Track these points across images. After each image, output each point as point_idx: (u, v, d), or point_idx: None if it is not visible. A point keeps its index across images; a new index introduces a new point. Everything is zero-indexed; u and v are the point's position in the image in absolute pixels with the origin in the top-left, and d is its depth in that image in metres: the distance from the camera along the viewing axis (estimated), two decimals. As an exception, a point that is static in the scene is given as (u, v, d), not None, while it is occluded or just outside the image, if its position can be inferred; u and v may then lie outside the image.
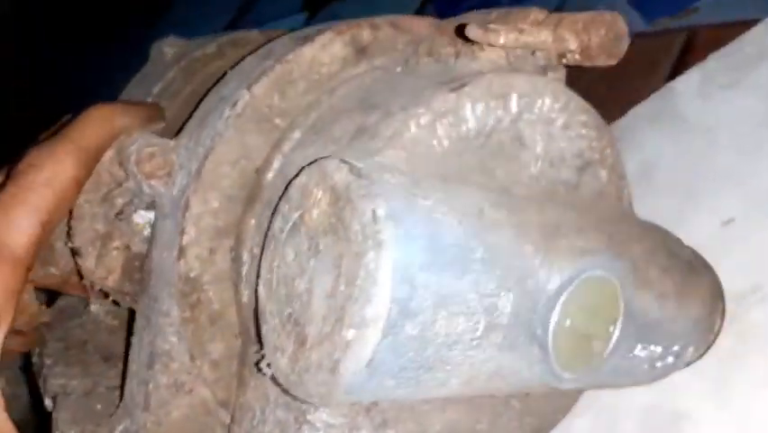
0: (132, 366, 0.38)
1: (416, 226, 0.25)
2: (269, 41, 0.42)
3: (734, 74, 0.60)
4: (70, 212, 0.39)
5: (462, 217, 0.27)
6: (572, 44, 0.31)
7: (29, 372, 0.48)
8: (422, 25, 0.40)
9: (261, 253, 0.31)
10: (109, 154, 0.39)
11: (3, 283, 0.33)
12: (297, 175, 0.29)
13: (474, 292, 0.26)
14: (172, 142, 0.37)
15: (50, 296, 0.50)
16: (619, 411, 0.47)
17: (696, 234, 0.56)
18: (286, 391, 0.29)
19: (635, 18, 0.76)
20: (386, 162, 0.28)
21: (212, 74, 0.47)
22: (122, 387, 0.40)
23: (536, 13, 0.34)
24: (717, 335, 0.39)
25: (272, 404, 0.33)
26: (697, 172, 0.59)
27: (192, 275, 0.35)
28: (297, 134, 0.36)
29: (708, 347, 0.39)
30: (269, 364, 0.29)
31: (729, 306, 0.40)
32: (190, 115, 0.39)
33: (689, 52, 0.69)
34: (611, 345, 0.31)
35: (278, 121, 0.36)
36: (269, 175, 0.35)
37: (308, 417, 0.31)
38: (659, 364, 0.35)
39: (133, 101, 0.46)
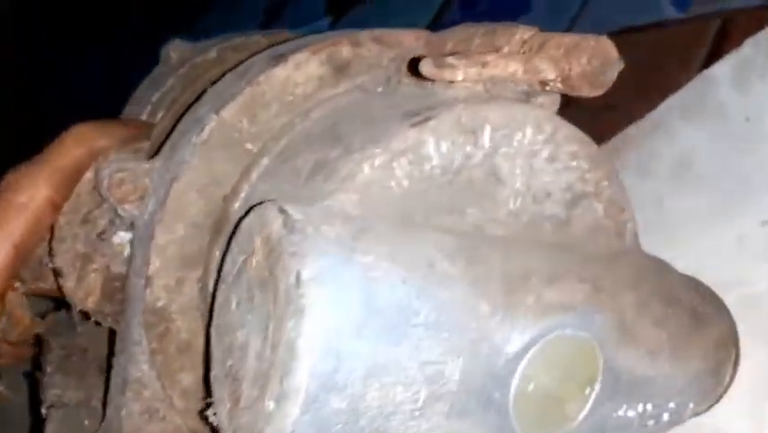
0: (111, 389, 0.38)
1: (349, 289, 0.23)
2: (270, 46, 0.41)
3: (773, 60, 0.56)
4: (52, 232, 0.39)
5: (408, 274, 0.25)
6: (550, 74, 0.28)
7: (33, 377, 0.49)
8: (411, 39, 0.37)
9: (214, 294, 0.30)
10: (88, 175, 0.38)
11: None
12: (246, 214, 0.28)
13: (414, 360, 0.24)
14: (147, 165, 0.36)
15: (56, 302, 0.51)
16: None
17: (734, 233, 0.52)
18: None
19: (666, 5, 0.71)
20: (334, 207, 0.27)
21: (211, 81, 0.46)
22: (104, 406, 0.40)
23: (522, 32, 0.31)
24: (727, 387, 0.35)
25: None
26: (734, 167, 0.55)
27: (159, 305, 0.34)
28: (265, 161, 0.34)
29: (718, 399, 0.36)
30: (215, 413, 0.28)
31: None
32: (170, 134, 0.38)
33: (724, 39, 0.64)
34: (587, 408, 0.28)
35: (249, 146, 0.35)
36: (236, 204, 0.34)
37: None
38: (651, 423, 0.32)
39: (115, 119, 0.46)
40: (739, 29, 0.65)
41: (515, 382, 0.26)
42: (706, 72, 0.62)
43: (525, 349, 0.26)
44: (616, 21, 0.83)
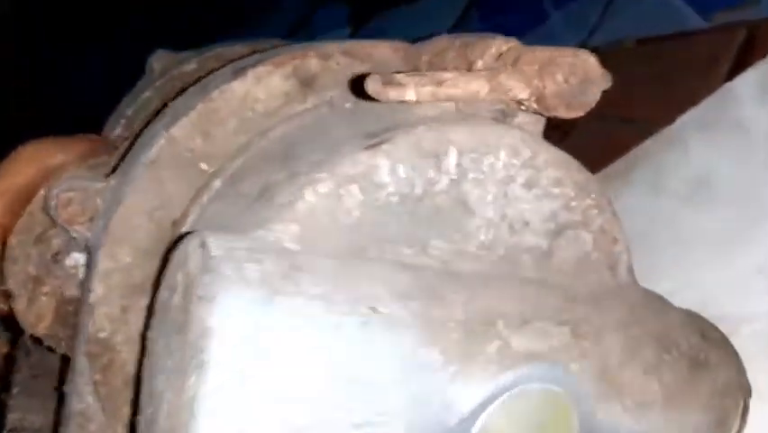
0: (61, 421, 0.36)
1: (263, 341, 0.20)
2: (254, 53, 0.38)
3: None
4: (3, 252, 0.36)
5: (343, 319, 0.22)
6: (521, 93, 0.25)
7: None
8: (388, 52, 0.34)
9: (146, 330, 0.27)
10: (42, 193, 0.36)
11: None
12: (176, 243, 0.25)
13: (345, 422, 0.21)
14: (99, 185, 0.34)
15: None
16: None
17: (751, 261, 0.48)
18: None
19: (689, 14, 0.67)
20: (269, 239, 0.24)
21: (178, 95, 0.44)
22: (55, 435, 0.37)
23: (499, 45, 0.28)
24: (737, 439, 0.31)
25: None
26: (754, 188, 0.51)
27: (102, 336, 0.32)
28: (217, 183, 0.31)
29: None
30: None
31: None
32: (128, 151, 0.36)
33: (750, 50, 0.59)
34: (559, 469, 0.25)
35: (204, 166, 0.32)
36: (184, 230, 0.31)
37: None
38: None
39: (76, 135, 0.44)
40: (766, 39, 0.61)
41: (470, 443, 0.23)
42: (727, 85, 0.58)
43: (483, 406, 0.23)
44: (636, 31, 0.79)
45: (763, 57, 0.57)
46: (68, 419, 0.34)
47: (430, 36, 0.33)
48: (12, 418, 0.43)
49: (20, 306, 0.37)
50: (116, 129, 0.46)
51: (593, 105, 0.25)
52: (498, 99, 0.26)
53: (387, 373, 0.22)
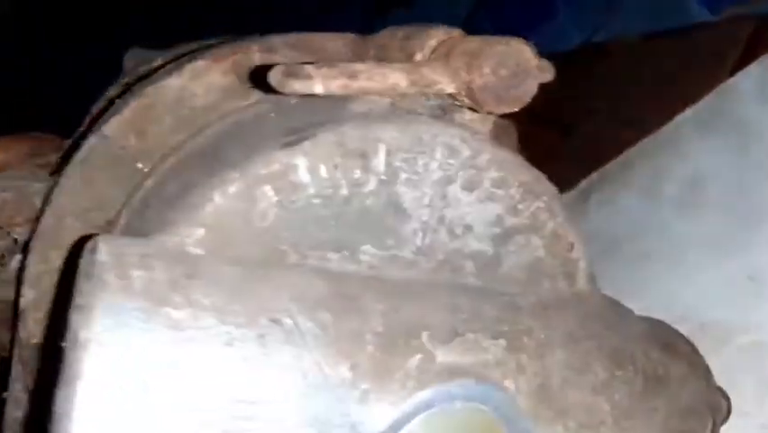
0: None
1: (142, 356, 0.19)
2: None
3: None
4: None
5: (237, 331, 0.20)
6: (447, 86, 0.23)
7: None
8: (335, 45, 0.32)
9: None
10: (-16, 194, 0.35)
11: None
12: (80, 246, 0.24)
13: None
14: (39, 185, 0.33)
15: None
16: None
17: (746, 269, 0.46)
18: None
19: (695, 6, 0.64)
20: (169, 244, 0.22)
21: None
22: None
23: (438, 36, 0.26)
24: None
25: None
26: (751, 190, 0.48)
27: (34, 342, 0.31)
28: (150, 183, 0.30)
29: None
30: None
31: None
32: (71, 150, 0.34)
33: (757, 44, 0.56)
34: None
35: (140, 165, 0.31)
36: (117, 232, 0.30)
37: None
38: None
39: (17, 135, 0.43)
40: (773, 35, 0.58)
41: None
42: (726, 83, 0.55)
43: (394, 428, 0.21)
44: (642, 25, 0.77)
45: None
46: (6, 427, 0.33)
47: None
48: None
49: (-36, 309, 0.36)
50: (83, 127, 0.46)
51: (528, 99, 0.23)
52: (435, 95, 0.24)
53: (284, 392, 0.20)
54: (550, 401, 0.25)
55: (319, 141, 0.24)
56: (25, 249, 0.34)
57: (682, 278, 0.50)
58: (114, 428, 0.18)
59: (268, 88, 0.23)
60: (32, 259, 0.30)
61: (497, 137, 0.30)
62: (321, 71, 0.22)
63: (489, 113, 0.24)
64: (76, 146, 0.35)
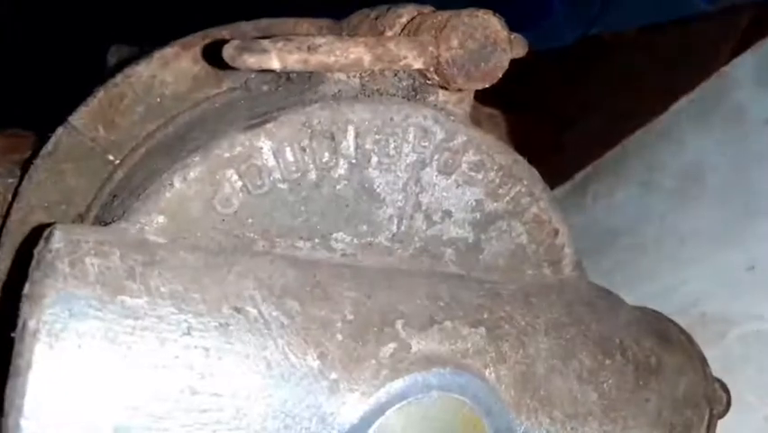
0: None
1: (92, 345, 0.18)
2: None
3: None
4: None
5: (197, 320, 0.19)
6: (415, 62, 0.22)
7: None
8: (309, 29, 0.31)
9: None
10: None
11: None
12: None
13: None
14: (10, 180, 0.32)
15: None
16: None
17: (745, 259, 0.44)
18: None
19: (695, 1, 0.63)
20: (129, 232, 0.21)
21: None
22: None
23: (410, 12, 0.25)
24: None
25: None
26: (749, 179, 0.47)
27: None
28: (120, 174, 0.29)
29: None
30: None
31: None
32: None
33: (756, 32, 0.55)
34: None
35: (111, 157, 0.30)
36: (88, 225, 0.29)
37: None
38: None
39: None
40: (768, 22, 0.57)
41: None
42: (723, 70, 0.54)
43: (367, 420, 0.20)
44: (640, 17, 0.75)
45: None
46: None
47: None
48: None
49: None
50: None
51: (499, 74, 0.22)
52: (405, 72, 0.23)
53: (247, 384, 0.19)
54: (534, 391, 0.23)
55: (284, 122, 0.23)
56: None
57: (681, 269, 0.49)
58: (65, 421, 0.17)
59: (225, 65, 0.22)
60: (0, 255, 0.29)
61: (478, 123, 0.29)
62: (277, 45, 0.21)
63: (460, 90, 0.23)
64: (46, 140, 0.34)
